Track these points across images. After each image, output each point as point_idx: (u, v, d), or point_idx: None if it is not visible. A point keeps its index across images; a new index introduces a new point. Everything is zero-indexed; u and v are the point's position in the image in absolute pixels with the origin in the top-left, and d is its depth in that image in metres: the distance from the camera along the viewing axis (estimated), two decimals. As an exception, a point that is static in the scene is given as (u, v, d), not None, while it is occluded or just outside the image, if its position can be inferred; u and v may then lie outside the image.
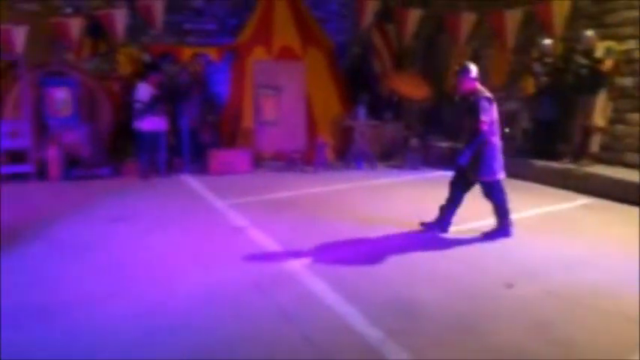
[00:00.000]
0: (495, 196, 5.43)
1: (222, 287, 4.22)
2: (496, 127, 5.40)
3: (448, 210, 5.66)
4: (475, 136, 5.23)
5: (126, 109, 9.63)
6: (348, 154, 9.92)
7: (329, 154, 9.93)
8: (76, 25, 9.26)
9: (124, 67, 10.62)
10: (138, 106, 8.66)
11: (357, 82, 11.31)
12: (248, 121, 10.04)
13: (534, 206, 6.87)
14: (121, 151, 9.63)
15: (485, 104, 5.24)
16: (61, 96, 8.87)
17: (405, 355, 3.15)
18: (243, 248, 5.15)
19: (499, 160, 5.42)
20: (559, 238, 5.52)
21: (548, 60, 8.48)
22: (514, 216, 5.77)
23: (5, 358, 2.63)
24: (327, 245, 5.27)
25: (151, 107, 8.61)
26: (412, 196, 7.59)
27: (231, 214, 6.49)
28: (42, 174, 8.59)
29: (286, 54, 10.24)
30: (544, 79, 8.51)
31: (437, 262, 4.84)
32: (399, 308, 3.82)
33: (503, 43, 9.09)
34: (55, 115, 8.89)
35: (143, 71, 9.85)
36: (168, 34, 11.05)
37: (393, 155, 10.52)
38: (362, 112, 9.98)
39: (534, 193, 7.71)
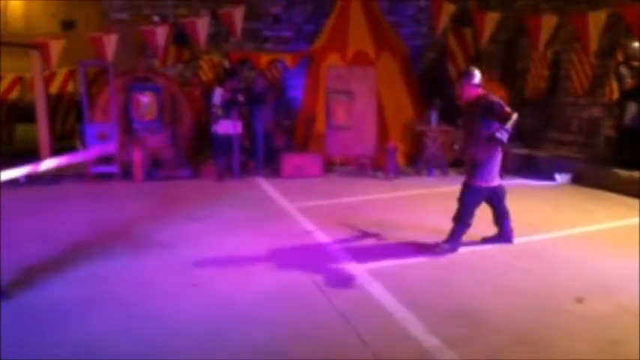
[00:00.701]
0: (467, 201, 5.25)
1: (288, 286, 4.35)
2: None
3: (502, 222, 5.50)
4: (506, 121, 4.90)
5: (205, 114, 10.09)
6: (419, 160, 9.83)
7: (400, 159, 9.89)
8: (162, 33, 9.78)
9: (206, 74, 11.12)
10: (214, 110, 9.04)
11: (431, 86, 11.19)
12: (320, 126, 10.20)
13: (615, 218, 6.52)
14: (199, 153, 10.08)
15: (500, 102, 5.02)
16: (146, 101, 9.41)
17: (461, 364, 3.12)
18: (310, 251, 5.27)
19: (499, 166, 5.32)
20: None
21: (635, 64, 8.01)
22: (594, 227, 5.53)
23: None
24: (392, 251, 5.28)
25: (225, 111, 8.94)
26: (484, 205, 7.39)
27: (299, 217, 6.63)
28: (127, 174, 9.15)
29: (360, 59, 10.31)
30: (629, 82, 8.03)
31: (504, 272, 4.72)
32: (460, 317, 3.77)
33: (586, 47, 8.66)
34: (140, 118, 9.45)
35: (222, 77, 10.27)
36: (248, 41, 11.46)
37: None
38: (434, 117, 9.86)
39: (617, 205, 7.31)
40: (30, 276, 4.53)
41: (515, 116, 4.87)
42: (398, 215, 6.74)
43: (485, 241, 5.43)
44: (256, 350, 3.32)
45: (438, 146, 9.77)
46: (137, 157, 9.07)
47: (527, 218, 6.56)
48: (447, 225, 6.17)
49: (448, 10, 9.84)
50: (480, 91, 5.15)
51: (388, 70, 10.35)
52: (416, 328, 3.58)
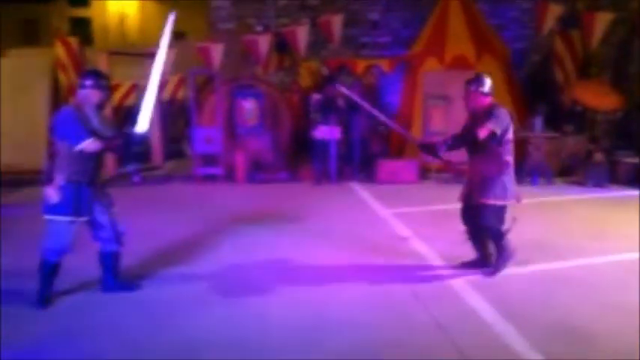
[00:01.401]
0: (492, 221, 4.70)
1: (383, 293, 4.40)
2: (512, 148, 4.76)
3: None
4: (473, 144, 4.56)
5: (303, 119, 10.37)
6: (521, 168, 9.45)
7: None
8: (264, 42, 10.20)
9: (304, 80, 11.41)
10: (312, 116, 9.27)
11: (535, 91, 10.74)
12: (417, 132, 10.11)
13: None
14: (297, 157, 10.37)
15: (503, 116, 4.56)
16: (249, 106, 9.84)
17: (566, 384, 3.01)
18: (406, 258, 5.27)
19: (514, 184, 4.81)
20: None
21: None
22: None
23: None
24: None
25: (324, 117, 9.13)
26: (591, 217, 7.00)
27: (394, 223, 6.64)
28: (229, 176, 9.61)
29: (459, 63, 10.11)
30: None
31: (614, 289, 4.45)
32: (565, 334, 3.62)
33: None
34: (243, 123, 9.90)
35: (320, 84, 10.50)
36: (345, 47, 11.60)
37: (573, 171, 9.77)
38: (539, 123, 9.44)
39: None
40: (143, 272, 4.92)
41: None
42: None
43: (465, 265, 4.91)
44: (351, 354, 3.39)
45: (542, 154, 9.35)
46: (240, 160, 9.50)
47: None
48: (547, 236, 5.95)
49: (554, 11, 9.44)
50: (490, 100, 4.70)
51: (489, 74, 10.04)
52: (517, 342, 3.49)
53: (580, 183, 9.20)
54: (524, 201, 7.82)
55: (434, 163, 9.69)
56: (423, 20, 11.14)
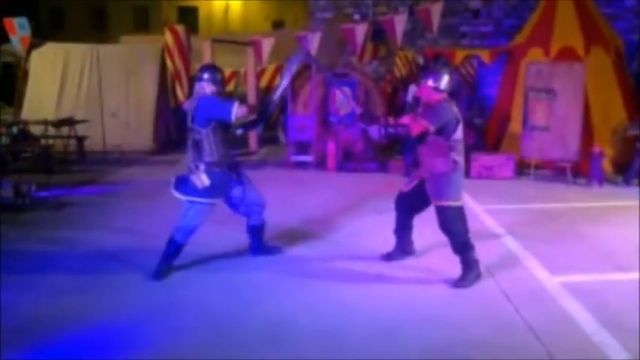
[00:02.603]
0: (452, 226, 4.41)
1: (472, 290, 4.31)
2: (462, 147, 4.45)
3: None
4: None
5: (395, 110, 10.27)
6: (630, 169, 8.81)
7: (606, 166, 8.96)
8: (361, 31, 10.19)
9: (399, 70, 11.29)
10: (408, 107, 9.15)
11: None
12: (516, 126, 9.70)
13: None
14: (388, 149, 10.30)
15: (443, 112, 4.30)
16: (342, 95, 9.88)
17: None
18: (498, 256, 5.11)
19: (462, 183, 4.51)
20: None
21: None
22: None
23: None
24: (591, 266, 4.87)
25: (415, 108, 8.98)
26: None
27: (487, 220, 6.45)
28: (321, 164, 9.74)
29: (565, 55, 9.55)
30: None
31: None
32: (671, 350, 3.36)
33: None
34: (336, 113, 9.97)
35: (416, 74, 10.33)
36: (444, 36, 11.36)
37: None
38: (653, 120, 8.74)
39: None
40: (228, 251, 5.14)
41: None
42: (599, 227, 6.15)
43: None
44: (435, 352, 3.35)
45: (654, 153, 8.65)
46: (331, 148, 9.60)
47: None
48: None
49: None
50: (441, 97, 4.41)
51: (599, 67, 9.42)
52: (616, 353, 3.29)
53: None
54: (632, 203, 7.39)
55: (533, 159, 9.31)
56: (528, 9, 10.63)
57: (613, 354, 3.31)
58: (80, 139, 9.88)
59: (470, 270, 4.45)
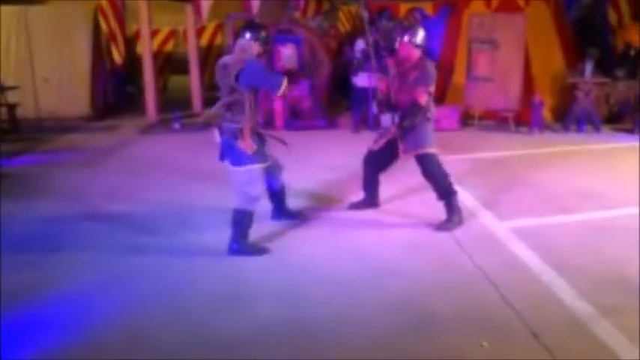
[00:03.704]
0: (436, 171, 4.65)
1: (427, 241, 4.40)
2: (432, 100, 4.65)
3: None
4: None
5: (341, 65, 10.18)
6: (568, 115, 9.13)
7: (546, 114, 9.26)
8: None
9: (343, 25, 11.14)
10: (353, 62, 9.07)
11: (586, 35, 10.21)
12: (460, 77, 9.83)
13: None
14: (336, 104, 10.25)
15: (432, 70, 4.48)
16: (287, 52, 9.68)
17: (616, 334, 2.97)
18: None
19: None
20: None
21: None
22: None
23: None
24: (536, 210, 5.06)
25: (363, 64, 8.92)
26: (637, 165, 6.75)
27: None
28: (268, 123, 9.57)
29: (506, 6, 9.66)
30: None
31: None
32: (615, 285, 3.55)
33: None
34: (281, 69, 9.77)
35: (361, 28, 10.20)
36: (386, -11, 11.21)
37: (622, 118, 9.40)
38: (589, 68, 9.01)
39: None
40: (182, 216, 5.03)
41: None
42: (542, 173, 6.39)
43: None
44: (397, 302, 3.41)
45: (591, 100, 8.98)
46: (278, 106, 9.44)
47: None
48: (593, 185, 5.80)
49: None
50: (420, 52, 4.57)
51: (538, 17, 9.58)
52: (565, 293, 3.45)
53: (629, 130, 8.86)
54: (573, 148, 7.70)
55: (477, 110, 9.49)
56: (469, -40, 10.59)
57: (561, 292, 3.47)
58: (11, 107, 9.29)
59: (454, 213, 4.65)
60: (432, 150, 4.60)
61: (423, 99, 4.49)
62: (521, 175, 6.29)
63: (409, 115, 4.52)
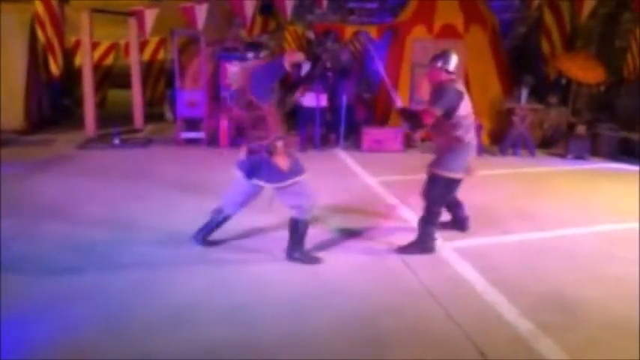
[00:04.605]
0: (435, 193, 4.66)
1: (374, 261, 4.42)
2: (468, 123, 4.62)
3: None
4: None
5: (288, 85, 10.20)
6: (505, 139, 9.52)
7: (484, 138, 9.62)
8: (249, 4, 9.93)
9: (289, 45, 11.20)
10: (301, 82, 9.09)
11: (521, 63, 10.74)
12: (403, 100, 10.04)
13: None
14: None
15: (449, 95, 4.46)
16: (234, 70, 9.60)
17: (557, 351, 3.07)
18: (394, 225, 5.28)
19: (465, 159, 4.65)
20: None
21: None
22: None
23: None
24: (477, 231, 5.19)
25: (306, 83, 8.98)
26: (572, 188, 7.10)
27: (382, 191, 6.65)
28: (212, 141, 9.46)
29: (447, 33, 10.02)
30: None
31: (599, 259, 4.55)
32: (554, 303, 3.69)
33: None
34: (228, 87, 9.67)
35: (307, 48, 10.31)
36: (332, 12, 11.40)
37: (555, 142, 9.89)
38: (524, 94, 9.47)
39: None
40: (123, 233, 4.85)
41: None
42: (482, 194, 6.58)
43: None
44: (346, 321, 3.40)
45: (526, 125, 9.40)
46: (224, 124, 9.34)
47: (621, 204, 6.26)
48: (529, 207, 6.03)
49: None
50: (448, 78, 4.56)
51: (477, 44, 10.01)
52: (508, 311, 3.55)
53: (561, 155, 9.32)
54: (509, 171, 8.00)
55: (420, 132, 9.71)
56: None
57: (503, 310, 3.56)
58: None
59: (422, 242, 4.61)
60: (444, 172, 4.58)
61: (428, 119, 4.50)
62: (463, 197, 6.42)
63: (411, 125, 4.81)
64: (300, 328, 3.32)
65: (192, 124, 9.67)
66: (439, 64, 4.56)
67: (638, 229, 5.28)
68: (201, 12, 9.58)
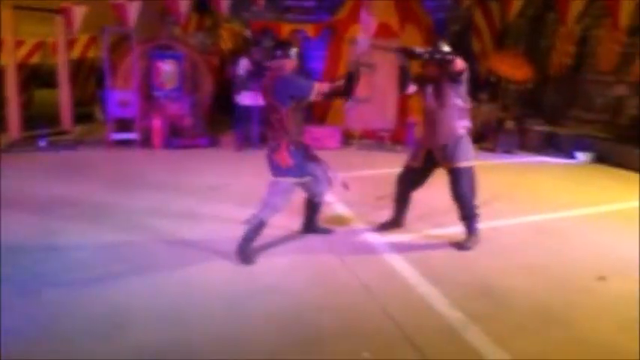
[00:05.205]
0: (473, 186, 4.67)
1: (310, 258, 4.42)
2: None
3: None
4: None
5: (223, 83, 10.08)
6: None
7: (418, 134, 9.81)
8: (184, 1, 9.71)
9: (226, 43, 11.05)
10: (238, 80, 9.01)
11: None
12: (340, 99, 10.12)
13: (636, 198, 6.45)
14: (218, 123, 10.09)
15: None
16: (167, 69, 9.40)
17: (484, 338, 3.16)
18: (330, 223, 5.29)
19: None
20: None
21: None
22: (615, 206, 5.47)
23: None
24: (412, 225, 5.28)
25: (248, 82, 8.90)
26: (501, 181, 7.36)
27: (319, 189, 6.65)
28: (146, 142, 9.19)
29: (383, 32, 10.15)
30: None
31: (527, 250, 4.72)
32: (484, 293, 3.80)
33: (616, 23, 8.47)
34: (161, 86, 9.45)
35: (244, 47, 10.20)
36: (269, 10, 11.32)
37: (485, 137, 10.22)
38: (457, 92, 9.73)
39: (638, 184, 7.23)
40: (55, 239, 4.63)
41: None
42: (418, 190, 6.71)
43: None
44: (282, 318, 3.38)
45: (458, 121, 9.66)
46: (157, 124, 9.10)
47: (548, 196, 6.54)
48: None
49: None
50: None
51: (412, 43, 10.13)
52: (440, 302, 3.62)
53: (491, 149, 9.64)
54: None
55: (357, 130, 9.82)
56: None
57: (435, 301, 3.63)
58: None
59: (473, 234, 4.69)
60: (472, 163, 4.63)
61: (459, 64, 4.41)
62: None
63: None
64: (234, 327, 3.27)
65: (124, 125, 9.37)
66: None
67: (564, 218, 5.53)
68: (132, 9, 9.29)
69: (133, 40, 9.28)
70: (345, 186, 4.82)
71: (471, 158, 4.66)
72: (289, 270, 4.15)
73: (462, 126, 4.63)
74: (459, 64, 4.41)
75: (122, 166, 7.81)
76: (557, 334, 3.25)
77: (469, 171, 4.65)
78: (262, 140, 9.42)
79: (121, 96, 9.22)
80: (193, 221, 5.25)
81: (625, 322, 3.42)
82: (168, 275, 4.00)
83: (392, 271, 4.17)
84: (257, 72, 8.94)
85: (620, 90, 9.20)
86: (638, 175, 7.70)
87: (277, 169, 4.27)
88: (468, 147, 4.66)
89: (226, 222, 5.19)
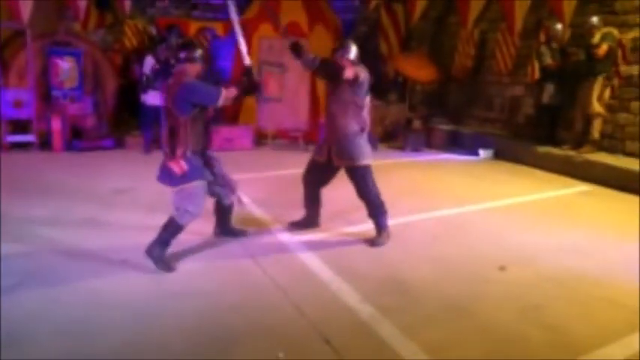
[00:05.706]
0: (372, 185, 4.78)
1: (222, 259, 4.34)
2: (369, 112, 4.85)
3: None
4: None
5: (129, 82, 9.67)
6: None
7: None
8: (83, -5, 9.22)
9: (130, 40, 10.59)
10: (144, 79, 8.66)
11: (362, 61, 11.25)
12: (252, 98, 10.02)
13: (533, 192, 6.91)
14: (124, 124, 9.67)
15: (364, 74, 4.67)
16: (66, 66, 8.87)
17: (395, 332, 3.23)
18: (244, 223, 5.20)
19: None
20: (556, 224, 5.57)
21: (555, 45, 8.41)
22: (514, 200, 5.79)
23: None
24: (326, 224, 5.31)
25: (154, 81, 8.59)
26: (408, 178, 7.63)
27: (232, 190, 6.54)
28: (45, 144, 8.63)
29: (292, 31, 10.16)
30: (548, 62, 8.37)
31: (434, 245, 4.89)
32: (394, 287, 3.89)
33: (511, 27, 9.03)
34: (59, 85, 8.90)
35: (149, 44, 9.83)
36: (175, 7, 11.01)
37: (394, 137, 10.54)
38: (366, 92, 9.95)
39: (534, 179, 7.75)
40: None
41: None
42: (328, 188, 6.77)
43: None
44: (194, 322, 3.29)
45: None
46: (56, 125, 8.57)
47: (454, 191, 6.84)
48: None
49: (380, -16, 9.90)
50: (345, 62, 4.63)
51: (321, 43, 10.25)
52: (351, 297, 3.67)
53: (400, 148, 9.96)
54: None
55: (269, 130, 9.78)
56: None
57: (347, 297, 3.68)
58: None
59: (384, 230, 4.74)
60: (368, 161, 4.70)
61: (349, 73, 4.44)
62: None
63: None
64: (143, 334, 3.14)
65: (19, 126, 8.73)
66: (339, 54, 4.69)
67: (468, 212, 5.80)
68: (26, 3, 8.69)
69: (28, 36, 8.67)
70: (240, 202, 4.92)
71: (366, 157, 4.72)
72: (203, 273, 4.05)
73: (357, 124, 4.69)
74: (348, 73, 4.43)
75: (18, 170, 7.25)
76: (463, 324, 3.39)
77: (365, 169, 4.73)
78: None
79: (16, 95, 8.59)
80: (97, 229, 4.98)
81: (525, 308, 3.63)
82: (69, 288, 3.75)
83: (306, 269, 4.18)
84: (163, 70, 8.65)
85: (517, 90, 9.81)
86: (533, 170, 8.25)
87: (173, 178, 4.08)
88: (363, 145, 4.72)
89: (133, 229, 4.96)
